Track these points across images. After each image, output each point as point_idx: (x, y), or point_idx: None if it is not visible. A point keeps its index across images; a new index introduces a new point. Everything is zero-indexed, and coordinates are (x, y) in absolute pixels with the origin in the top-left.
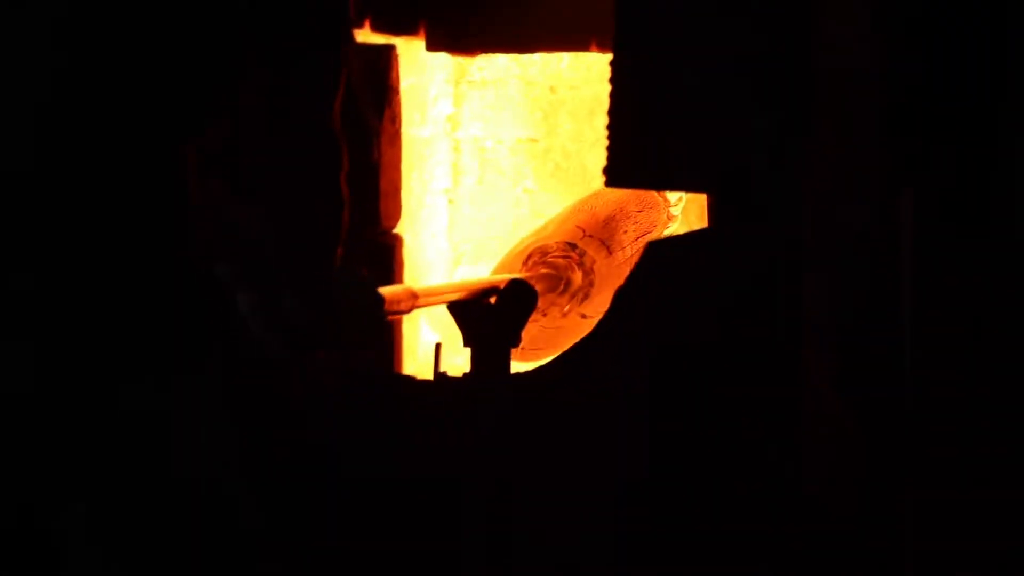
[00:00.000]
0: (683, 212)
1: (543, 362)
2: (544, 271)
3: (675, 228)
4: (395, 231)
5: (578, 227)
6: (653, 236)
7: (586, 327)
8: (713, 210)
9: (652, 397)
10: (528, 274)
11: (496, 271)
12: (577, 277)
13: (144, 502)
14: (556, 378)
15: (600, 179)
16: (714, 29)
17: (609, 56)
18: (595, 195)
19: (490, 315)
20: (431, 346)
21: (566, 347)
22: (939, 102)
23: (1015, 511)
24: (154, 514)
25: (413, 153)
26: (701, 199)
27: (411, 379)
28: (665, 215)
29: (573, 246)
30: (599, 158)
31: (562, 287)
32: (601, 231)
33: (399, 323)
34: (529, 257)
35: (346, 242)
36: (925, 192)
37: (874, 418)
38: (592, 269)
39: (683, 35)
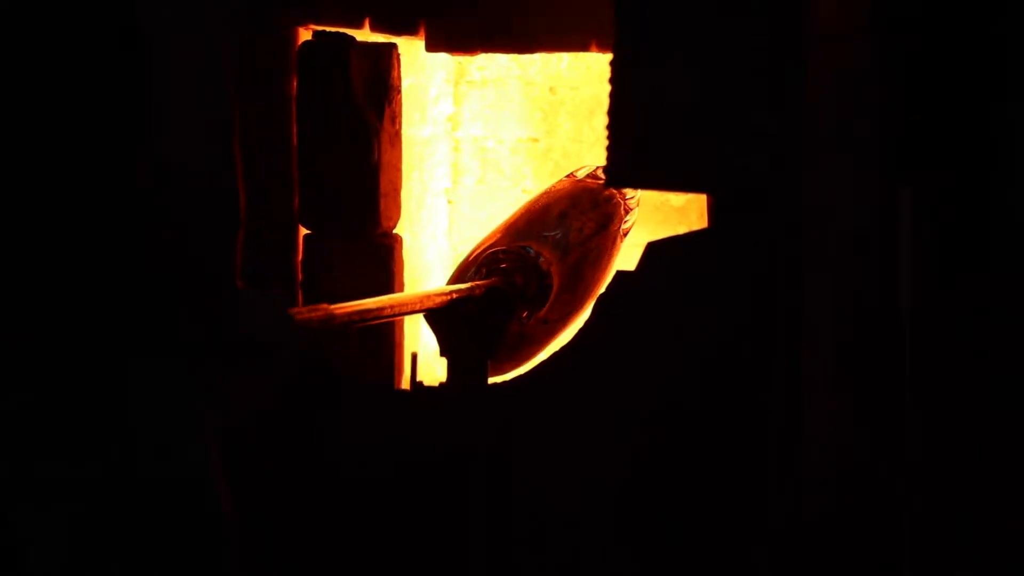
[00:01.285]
0: (683, 212)
1: (512, 372)
2: (498, 279)
3: (634, 220)
4: (395, 231)
5: (531, 229)
6: (612, 231)
7: (550, 332)
8: (713, 210)
9: (650, 397)
10: (481, 283)
11: (450, 282)
12: (534, 282)
13: (115, 501)
14: (555, 378)
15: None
16: (714, 29)
17: (609, 56)
18: (546, 193)
19: (467, 324)
20: (434, 352)
21: (531, 355)
22: (939, 102)
23: (1015, 512)
24: (126, 513)
25: (413, 153)
26: (701, 199)
27: (387, 388)
28: (622, 208)
29: (527, 249)
30: (599, 158)
31: (518, 294)
32: (555, 230)
33: (400, 329)
34: (481, 266)
35: (244, 244)
36: (925, 192)
37: (874, 418)
38: (549, 272)
39: (683, 35)
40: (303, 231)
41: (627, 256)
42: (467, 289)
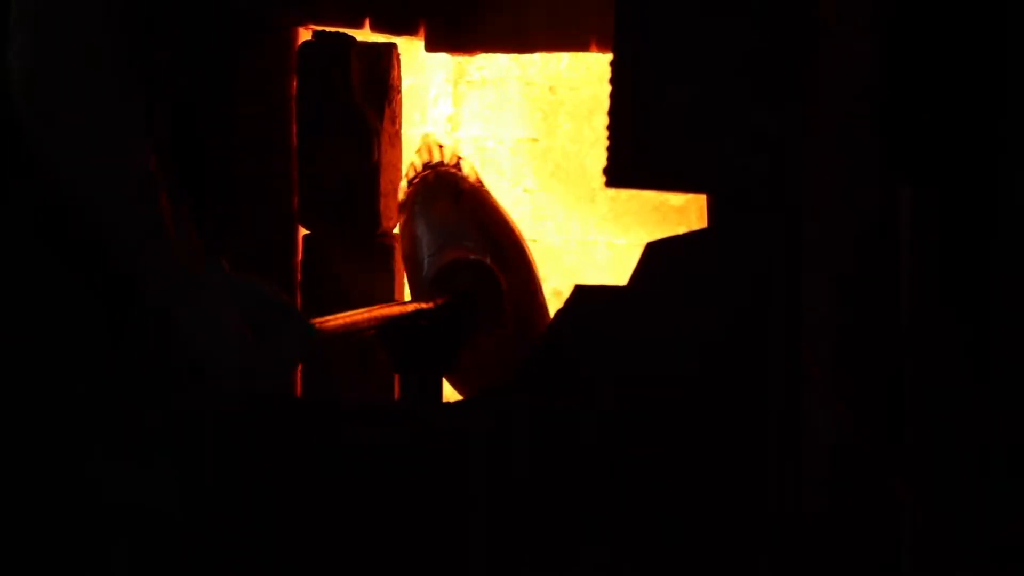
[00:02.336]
0: (683, 212)
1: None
2: (451, 296)
3: (471, 167)
4: (395, 231)
5: (454, 240)
6: (508, 216)
7: (515, 342)
8: (713, 210)
9: (650, 397)
10: (437, 302)
11: None
12: (486, 293)
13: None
14: (551, 376)
15: (600, 179)
16: (714, 29)
17: (609, 56)
18: (424, 213)
19: (421, 339)
20: None
21: (500, 367)
22: (941, 101)
23: (1015, 512)
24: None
25: (413, 153)
26: (701, 199)
27: (333, 405)
28: (481, 187)
29: (468, 259)
30: (599, 158)
31: (472, 304)
32: (463, 230)
33: None
34: (433, 286)
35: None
36: (925, 192)
37: (874, 418)
38: (493, 269)
39: (683, 35)
40: (303, 231)
41: (624, 258)
42: (413, 306)
